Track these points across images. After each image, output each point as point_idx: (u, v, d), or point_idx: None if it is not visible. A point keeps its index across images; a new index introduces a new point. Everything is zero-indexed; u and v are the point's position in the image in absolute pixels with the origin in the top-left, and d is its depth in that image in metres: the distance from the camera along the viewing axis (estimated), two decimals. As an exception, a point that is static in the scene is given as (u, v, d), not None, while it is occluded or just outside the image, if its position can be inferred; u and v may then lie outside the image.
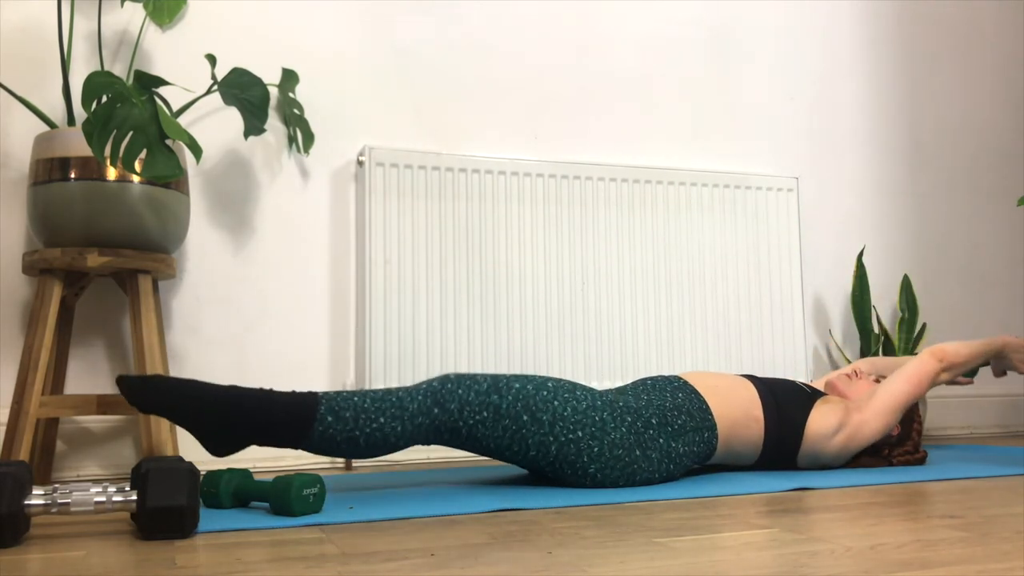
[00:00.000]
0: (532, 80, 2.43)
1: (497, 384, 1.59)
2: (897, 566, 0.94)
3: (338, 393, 1.51)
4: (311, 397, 1.48)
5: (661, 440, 1.61)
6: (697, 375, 1.78)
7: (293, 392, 1.49)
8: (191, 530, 1.17)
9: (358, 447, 1.50)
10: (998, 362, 1.94)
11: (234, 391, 1.44)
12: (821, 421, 1.79)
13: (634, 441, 1.59)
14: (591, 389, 1.63)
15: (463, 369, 2.13)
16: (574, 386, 1.62)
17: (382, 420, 1.50)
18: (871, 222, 2.79)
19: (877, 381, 1.99)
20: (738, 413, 1.72)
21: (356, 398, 1.51)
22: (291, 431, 1.45)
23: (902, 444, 1.89)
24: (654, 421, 1.62)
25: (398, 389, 1.55)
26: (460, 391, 1.57)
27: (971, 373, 2.14)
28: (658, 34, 2.58)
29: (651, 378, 1.76)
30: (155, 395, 1.40)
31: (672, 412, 1.65)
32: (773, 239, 2.48)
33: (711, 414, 1.69)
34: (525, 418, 1.57)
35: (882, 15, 2.89)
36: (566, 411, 1.58)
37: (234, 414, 1.42)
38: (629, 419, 1.61)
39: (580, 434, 1.57)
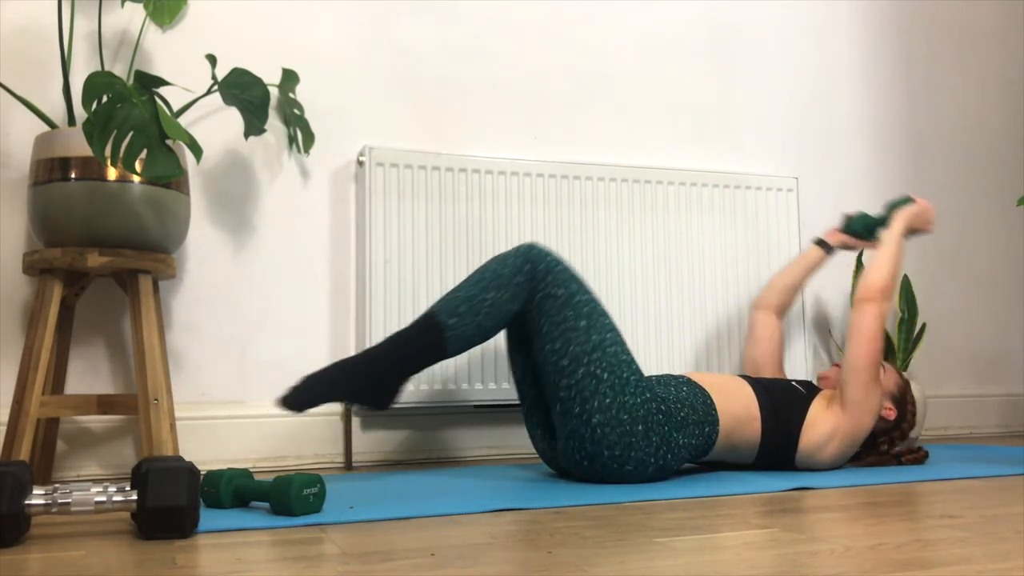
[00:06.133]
0: (532, 80, 2.43)
1: (576, 276, 1.69)
2: (897, 566, 0.94)
3: (442, 300, 1.67)
4: (427, 316, 1.65)
5: (665, 428, 1.65)
6: (699, 374, 1.81)
7: (412, 324, 1.67)
8: (191, 530, 1.17)
9: (485, 329, 1.66)
10: (911, 235, 2.02)
11: (365, 356, 1.63)
12: (815, 430, 1.78)
13: (642, 416, 1.62)
14: (633, 357, 1.70)
15: (463, 367, 2.13)
16: (624, 345, 1.68)
17: (491, 295, 1.65)
18: (871, 222, 2.79)
19: None
20: (739, 410, 1.75)
21: (459, 292, 1.66)
22: (432, 350, 1.64)
23: (899, 427, 1.88)
24: (663, 409, 1.66)
25: (483, 268, 1.68)
26: (550, 258, 1.68)
27: (871, 236, 2.11)
28: (658, 34, 2.58)
29: (656, 376, 1.79)
30: (309, 396, 1.60)
31: (676, 405, 1.68)
32: (773, 239, 2.48)
33: (715, 409, 1.71)
34: (582, 323, 1.64)
35: (881, 15, 2.89)
36: (609, 348, 1.64)
37: (382, 371, 1.63)
38: (648, 395, 1.65)
39: (605, 376, 1.62)
